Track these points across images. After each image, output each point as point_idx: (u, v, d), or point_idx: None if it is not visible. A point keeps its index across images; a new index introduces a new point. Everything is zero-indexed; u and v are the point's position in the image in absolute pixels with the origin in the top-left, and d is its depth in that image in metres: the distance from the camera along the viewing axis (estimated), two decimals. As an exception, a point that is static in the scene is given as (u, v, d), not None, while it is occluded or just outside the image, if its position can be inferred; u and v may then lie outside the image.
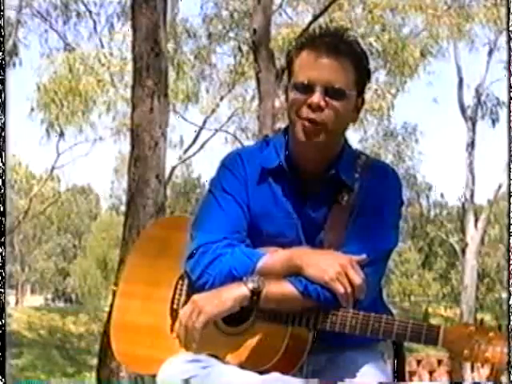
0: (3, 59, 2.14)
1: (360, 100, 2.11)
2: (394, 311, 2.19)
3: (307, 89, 2.01)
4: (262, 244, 2.06)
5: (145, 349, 2.15)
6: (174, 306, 2.15)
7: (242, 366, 1.99)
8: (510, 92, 1.96)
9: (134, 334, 2.19)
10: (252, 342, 2.01)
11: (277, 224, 2.08)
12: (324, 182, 2.08)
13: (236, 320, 2.03)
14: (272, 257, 1.99)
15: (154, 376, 2.03)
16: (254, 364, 1.99)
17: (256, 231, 2.08)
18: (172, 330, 2.11)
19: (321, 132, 2.02)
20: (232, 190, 2.10)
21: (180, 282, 2.15)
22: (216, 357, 2.01)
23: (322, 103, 2.00)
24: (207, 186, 2.21)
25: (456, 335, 1.87)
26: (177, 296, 2.15)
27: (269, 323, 1.99)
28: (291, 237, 2.07)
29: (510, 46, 2.04)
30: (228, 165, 2.15)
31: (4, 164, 1.99)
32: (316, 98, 2.00)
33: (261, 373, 1.97)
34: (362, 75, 2.08)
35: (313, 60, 2.03)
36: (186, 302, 2.07)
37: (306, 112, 2.02)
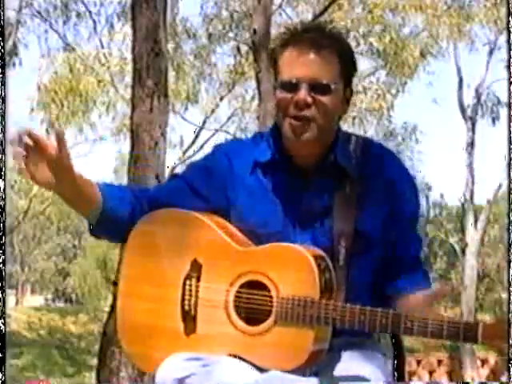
0: (3, 59, 2.14)
1: (348, 91, 2.11)
2: (394, 311, 2.18)
3: (293, 87, 2.02)
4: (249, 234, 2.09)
5: (161, 352, 2.08)
6: (186, 308, 2.09)
7: (265, 366, 1.98)
8: (510, 92, 1.96)
9: (147, 336, 2.13)
10: (275, 342, 1.99)
11: (263, 215, 2.09)
12: (322, 170, 2.09)
13: (255, 320, 2.02)
14: None
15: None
16: (278, 365, 1.97)
17: (242, 224, 2.10)
18: (187, 334, 2.08)
19: (309, 128, 2.03)
20: (199, 178, 2.16)
21: (187, 282, 2.10)
22: (236, 357, 1.99)
23: (309, 99, 2.01)
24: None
25: (494, 331, 1.86)
26: (186, 297, 2.10)
27: (291, 323, 1.98)
28: (277, 229, 2.07)
29: (510, 45, 2.04)
30: (209, 157, 2.20)
31: (4, 164, 1.99)
32: (302, 95, 2.01)
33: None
34: (348, 67, 2.09)
35: (296, 57, 2.03)
36: (196, 303, 2.07)
37: (292, 110, 2.03)
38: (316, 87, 2.01)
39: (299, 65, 2.03)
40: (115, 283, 2.20)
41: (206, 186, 2.15)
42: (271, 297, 2.00)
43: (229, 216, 2.13)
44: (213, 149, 2.24)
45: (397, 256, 2.10)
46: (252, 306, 2.02)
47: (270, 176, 2.11)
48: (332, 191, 2.08)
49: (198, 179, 2.16)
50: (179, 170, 26.69)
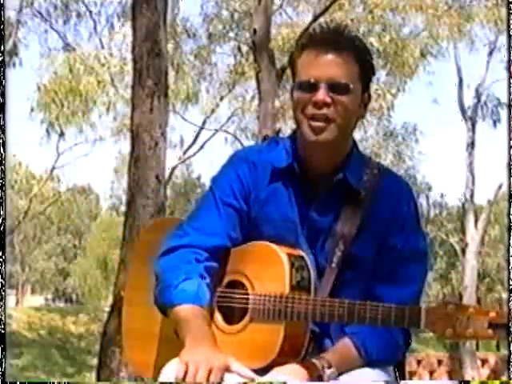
0: (3, 59, 2.14)
1: (366, 95, 2.10)
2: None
3: (311, 87, 2.00)
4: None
5: (159, 357, 2.10)
6: None
7: (244, 364, 1.97)
8: (510, 92, 1.96)
9: (146, 343, 2.16)
10: (250, 339, 2.00)
11: (277, 227, 2.07)
12: (331, 185, 2.06)
13: (237, 318, 2.03)
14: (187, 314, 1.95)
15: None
16: (254, 361, 1.98)
17: (256, 233, 2.07)
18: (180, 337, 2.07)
19: (329, 128, 2.00)
20: (233, 194, 2.09)
21: None
22: None
23: (328, 99, 1.99)
24: (210, 183, 2.18)
25: (437, 316, 1.85)
26: None
27: (264, 320, 1.98)
28: (291, 241, 2.05)
29: (510, 46, 2.04)
30: (234, 166, 2.12)
31: (4, 164, 1.99)
32: (321, 95, 1.98)
33: (264, 368, 1.97)
34: (366, 69, 2.08)
35: (314, 57, 2.02)
36: None
37: (311, 109, 2.00)
38: (335, 87, 1.99)
39: (317, 65, 2.01)
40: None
41: (240, 199, 2.10)
42: (248, 294, 2.02)
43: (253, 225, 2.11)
44: (233, 158, 2.15)
45: (376, 294, 2.03)
46: (232, 305, 2.04)
47: (285, 186, 2.08)
48: (337, 210, 2.06)
49: (242, 198, 2.10)
50: (179, 170, 26.41)
